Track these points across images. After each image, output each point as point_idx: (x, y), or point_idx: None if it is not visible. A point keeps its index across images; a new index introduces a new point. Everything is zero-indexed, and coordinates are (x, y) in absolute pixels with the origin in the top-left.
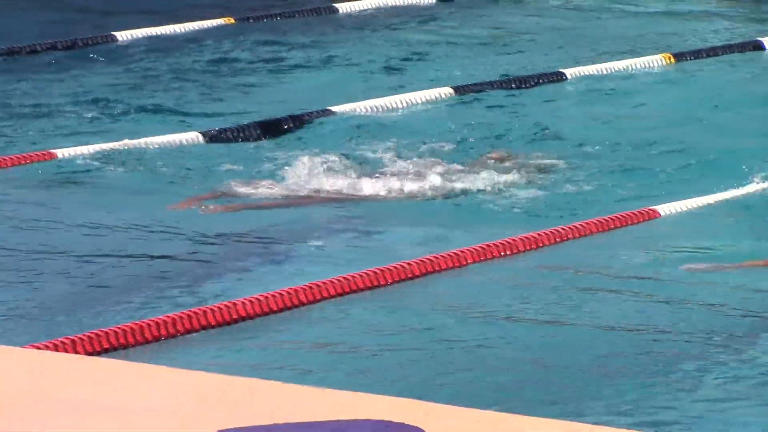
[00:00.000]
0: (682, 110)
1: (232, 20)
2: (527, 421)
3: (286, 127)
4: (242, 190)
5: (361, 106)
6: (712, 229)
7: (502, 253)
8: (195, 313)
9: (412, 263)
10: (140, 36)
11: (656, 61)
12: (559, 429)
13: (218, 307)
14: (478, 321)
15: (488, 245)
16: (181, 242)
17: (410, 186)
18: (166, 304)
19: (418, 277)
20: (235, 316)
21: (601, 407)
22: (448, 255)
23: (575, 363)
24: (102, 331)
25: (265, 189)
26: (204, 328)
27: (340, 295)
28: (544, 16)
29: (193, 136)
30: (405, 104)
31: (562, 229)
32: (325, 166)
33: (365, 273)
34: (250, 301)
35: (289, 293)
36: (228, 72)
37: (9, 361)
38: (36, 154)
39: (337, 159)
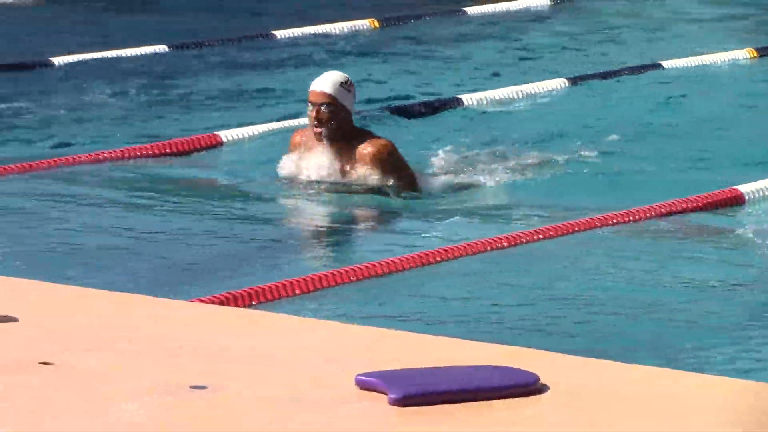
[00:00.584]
0: None
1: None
2: (633, 368)
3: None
4: None
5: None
6: None
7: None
8: (339, 272)
9: (544, 229)
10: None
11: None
12: (668, 377)
13: (359, 267)
14: (593, 281)
15: (606, 216)
16: (322, 209)
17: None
18: (313, 264)
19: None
20: (373, 274)
21: (706, 356)
22: (577, 222)
23: (683, 317)
24: (258, 287)
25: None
26: (346, 284)
27: (473, 254)
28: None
29: None
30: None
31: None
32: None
33: (503, 237)
34: (387, 262)
35: (420, 256)
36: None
37: (180, 313)
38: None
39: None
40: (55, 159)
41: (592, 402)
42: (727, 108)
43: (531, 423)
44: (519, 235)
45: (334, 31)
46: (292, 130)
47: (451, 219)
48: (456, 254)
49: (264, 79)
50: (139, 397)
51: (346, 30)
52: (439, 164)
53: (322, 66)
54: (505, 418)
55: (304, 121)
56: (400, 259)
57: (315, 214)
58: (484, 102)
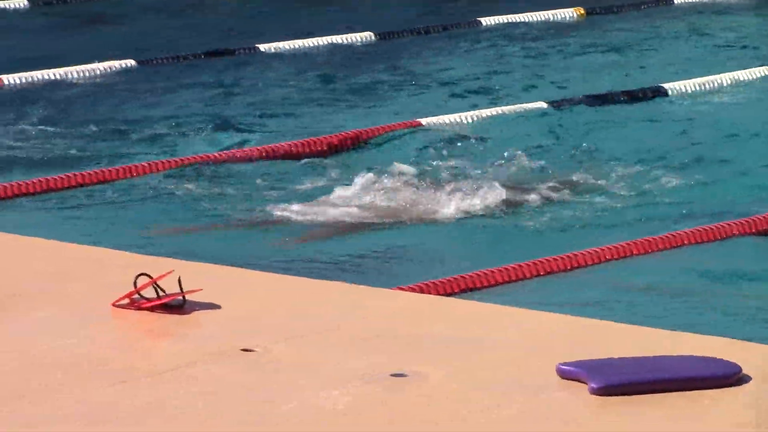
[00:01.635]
0: None
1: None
2: None
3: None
4: None
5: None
6: None
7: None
8: (541, 261)
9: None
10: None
11: None
12: None
13: (560, 257)
14: None
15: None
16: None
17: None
18: (516, 254)
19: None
20: (574, 265)
21: None
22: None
23: None
24: (458, 276)
25: None
26: (547, 274)
27: (667, 249)
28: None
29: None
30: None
31: None
32: None
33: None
34: (588, 252)
35: (623, 246)
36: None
37: (380, 301)
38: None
39: None
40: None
41: None
42: None
43: (733, 414)
44: (727, 226)
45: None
46: None
47: (651, 211)
48: (659, 246)
49: None
50: (340, 384)
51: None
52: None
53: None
54: (707, 408)
55: None
56: (602, 249)
57: (519, 203)
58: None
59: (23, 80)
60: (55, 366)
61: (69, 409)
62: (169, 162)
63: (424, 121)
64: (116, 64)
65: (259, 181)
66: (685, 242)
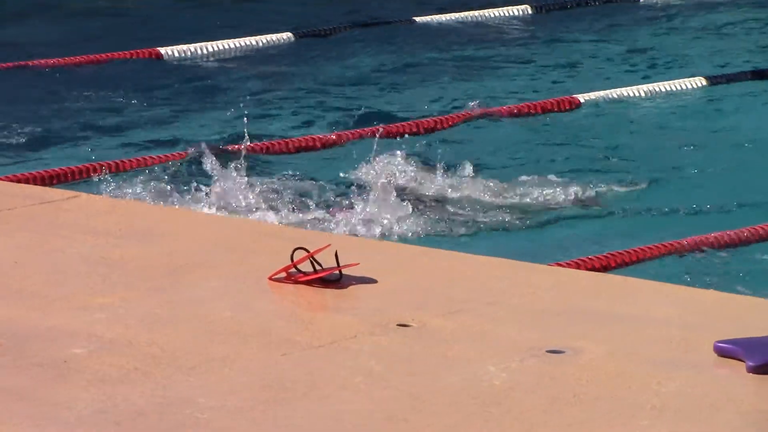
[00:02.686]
0: None
1: None
2: None
3: None
4: None
5: None
6: None
7: None
8: (699, 239)
9: None
10: None
11: None
12: None
13: (719, 234)
14: None
15: None
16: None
17: None
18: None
19: None
20: (729, 241)
21: None
22: None
23: None
24: (616, 252)
25: None
26: (704, 249)
27: None
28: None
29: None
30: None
31: None
32: None
33: None
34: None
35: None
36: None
37: (538, 276)
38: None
39: None
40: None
41: None
42: None
43: None
44: None
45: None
46: None
47: None
48: None
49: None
50: (498, 360)
51: None
52: None
53: None
54: None
55: None
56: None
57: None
58: None
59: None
60: (215, 336)
61: (236, 379)
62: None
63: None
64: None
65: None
66: None
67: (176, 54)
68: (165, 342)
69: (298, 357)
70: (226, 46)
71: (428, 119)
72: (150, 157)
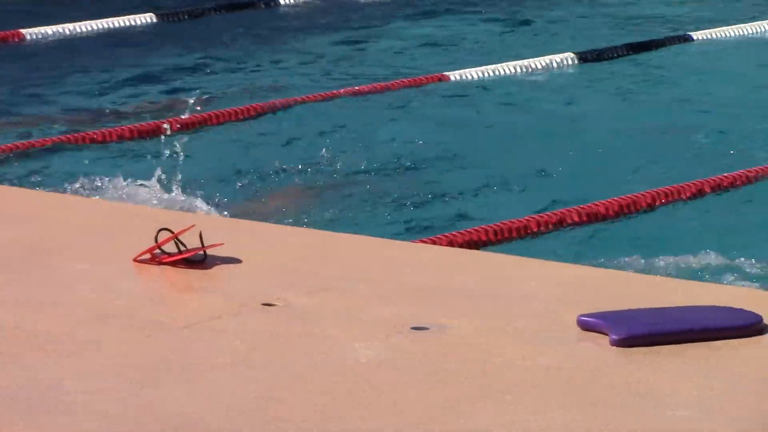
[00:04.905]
0: None
1: None
2: None
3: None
4: None
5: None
6: None
7: None
8: (563, 212)
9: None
10: None
11: None
12: None
13: (581, 208)
14: None
15: None
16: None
17: None
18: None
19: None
20: (597, 216)
21: None
22: None
23: None
24: (482, 227)
25: None
26: (570, 225)
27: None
28: None
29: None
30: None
31: None
32: None
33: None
34: (610, 202)
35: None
36: None
37: (402, 253)
38: None
39: None
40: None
41: None
42: None
43: (755, 363)
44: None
45: None
46: None
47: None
48: (680, 195)
49: None
50: (363, 338)
51: None
52: None
53: None
54: (728, 358)
55: None
56: (623, 199)
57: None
58: None
59: None
60: (81, 319)
61: (103, 361)
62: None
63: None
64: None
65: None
66: (706, 190)
67: (38, 36)
68: (32, 326)
69: (164, 338)
70: (87, 29)
71: (291, 98)
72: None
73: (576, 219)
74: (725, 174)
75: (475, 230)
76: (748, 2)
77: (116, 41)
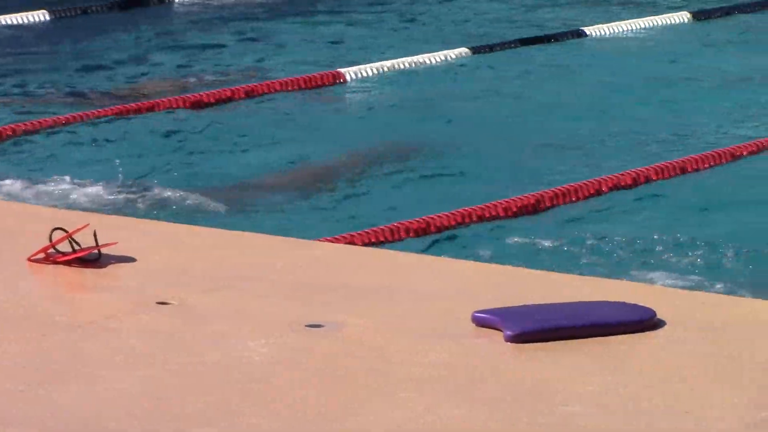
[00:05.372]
0: None
1: None
2: (746, 302)
3: None
4: None
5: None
6: None
7: None
8: (459, 212)
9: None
10: None
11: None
12: None
13: (479, 207)
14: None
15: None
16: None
17: None
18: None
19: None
20: (493, 214)
21: None
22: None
23: None
24: (379, 228)
25: None
26: (465, 223)
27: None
28: None
29: None
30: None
31: None
32: None
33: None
34: (500, 203)
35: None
36: None
37: (300, 252)
38: None
39: None
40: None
41: (709, 336)
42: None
43: (648, 358)
44: (641, 171)
45: None
46: None
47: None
48: (577, 195)
49: None
50: (258, 336)
51: None
52: None
53: None
54: (622, 353)
55: None
56: (513, 200)
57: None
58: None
59: None
60: None
61: None
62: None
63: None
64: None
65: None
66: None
67: None
68: None
69: (60, 338)
70: None
71: (193, 94)
72: None
73: (475, 219)
74: (624, 172)
75: (373, 231)
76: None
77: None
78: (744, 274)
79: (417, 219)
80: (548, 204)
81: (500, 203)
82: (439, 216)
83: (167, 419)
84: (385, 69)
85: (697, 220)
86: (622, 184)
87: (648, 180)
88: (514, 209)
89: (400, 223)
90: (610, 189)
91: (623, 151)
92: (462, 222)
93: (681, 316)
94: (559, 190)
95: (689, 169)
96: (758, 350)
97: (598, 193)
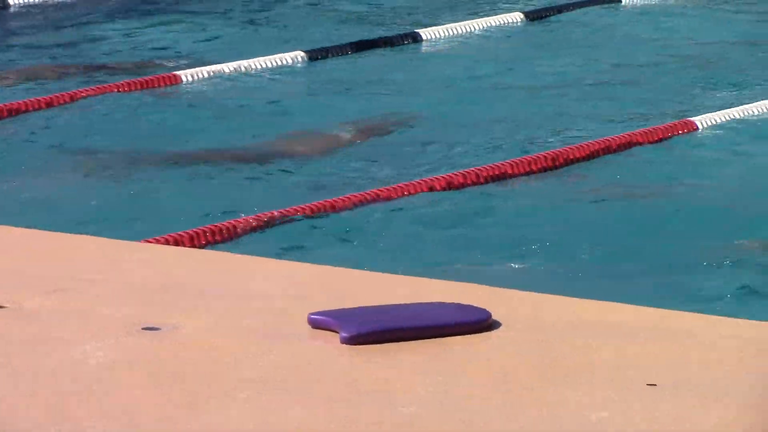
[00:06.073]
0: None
1: None
2: (584, 303)
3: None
4: None
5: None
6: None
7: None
8: (295, 209)
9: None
10: None
11: None
12: (615, 310)
13: (314, 205)
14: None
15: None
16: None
17: None
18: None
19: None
20: (327, 211)
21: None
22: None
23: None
24: (212, 225)
25: None
26: (300, 221)
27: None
28: None
29: None
30: None
31: None
32: None
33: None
34: (342, 199)
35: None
36: None
37: (135, 254)
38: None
39: None
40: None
41: (545, 337)
42: None
43: (484, 359)
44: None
45: None
46: None
47: (405, 156)
48: (409, 191)
49: None
50: (95, 339)
51: None
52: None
53: None
54: (458, 354)
55: None
56: (350, 197)
57: (281, 146)
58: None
59: None
60: None
61: None
62: None
63: None
64: None
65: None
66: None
67: None
68: None
69: None
70: None
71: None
72: None
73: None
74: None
75: (202, 230)
76: None
77: None
78: (581, 275)
79: (244, 217)
80: (383, 200)
81: (329, 202)
82: (271, 213)
83: (0, 423)
84: (226, 71)
85: (529, 222)
86: (456, 183)
87: (485, 181)
88: (341, 206)
89: (228, 222)
90: (442, 188)
91: (461, 154)
92: (269, 222)
93: (516, 317)
94: (392, 189)
95: (515, 172)
96: (591, 351)
97: (431, 190)
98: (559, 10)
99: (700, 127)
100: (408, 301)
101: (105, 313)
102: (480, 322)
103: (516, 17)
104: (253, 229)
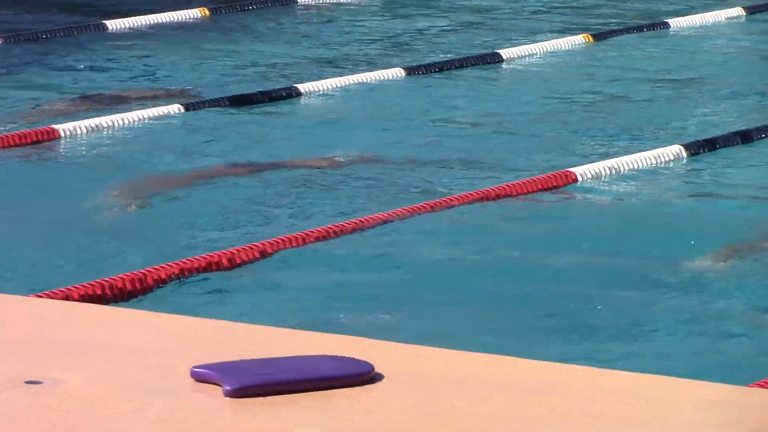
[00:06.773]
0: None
1: None
2: (469, 356)
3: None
4: None
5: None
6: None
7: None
8: (176, 264)
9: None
10: None
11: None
12: (497, 362)
13: (197, 258)
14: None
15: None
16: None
17: None
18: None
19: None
20: (213, 266)
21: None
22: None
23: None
24: (97, 281)
25: None
26: (184, 276)
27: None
28: None
29: None
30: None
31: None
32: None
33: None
34: (226, 253)
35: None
36: None
37: (15, 307)
38: None
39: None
40: None
41: (427, 389)
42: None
43: (366, 412)
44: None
45: None
46: None
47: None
48: (290, 244)
49: None
50: None
51: None
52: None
53: None
54: (342, 407)
55: None
56: (237, 250)
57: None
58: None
59: None
60: None
61: None
62: None
63: None
64: None
65: None
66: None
67: None
68: None
69: None
70: None
71: None
72: None
73: (196, 268)
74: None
75: (90, 284)
76: None
77: None
78: (476, 326)
79: (134, 272)
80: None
81: (208, 256)
82: (156, 269)
83: None
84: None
85: (409, 272)
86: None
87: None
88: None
89: (118, 276)
90: (336, 234)
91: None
92: (180, 274)
93: (398, 370)
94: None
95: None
96: (474, 404)
97: (325, 238)
98: (440, 68)
99: (580, 178)
100: (290, 354)
101: None
102: (362, 375)
103: (397, 72)
104: (140, 281)
